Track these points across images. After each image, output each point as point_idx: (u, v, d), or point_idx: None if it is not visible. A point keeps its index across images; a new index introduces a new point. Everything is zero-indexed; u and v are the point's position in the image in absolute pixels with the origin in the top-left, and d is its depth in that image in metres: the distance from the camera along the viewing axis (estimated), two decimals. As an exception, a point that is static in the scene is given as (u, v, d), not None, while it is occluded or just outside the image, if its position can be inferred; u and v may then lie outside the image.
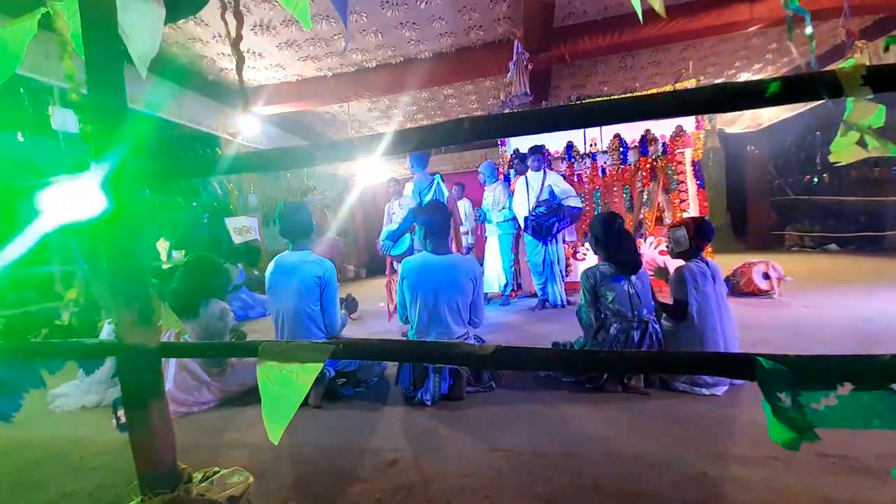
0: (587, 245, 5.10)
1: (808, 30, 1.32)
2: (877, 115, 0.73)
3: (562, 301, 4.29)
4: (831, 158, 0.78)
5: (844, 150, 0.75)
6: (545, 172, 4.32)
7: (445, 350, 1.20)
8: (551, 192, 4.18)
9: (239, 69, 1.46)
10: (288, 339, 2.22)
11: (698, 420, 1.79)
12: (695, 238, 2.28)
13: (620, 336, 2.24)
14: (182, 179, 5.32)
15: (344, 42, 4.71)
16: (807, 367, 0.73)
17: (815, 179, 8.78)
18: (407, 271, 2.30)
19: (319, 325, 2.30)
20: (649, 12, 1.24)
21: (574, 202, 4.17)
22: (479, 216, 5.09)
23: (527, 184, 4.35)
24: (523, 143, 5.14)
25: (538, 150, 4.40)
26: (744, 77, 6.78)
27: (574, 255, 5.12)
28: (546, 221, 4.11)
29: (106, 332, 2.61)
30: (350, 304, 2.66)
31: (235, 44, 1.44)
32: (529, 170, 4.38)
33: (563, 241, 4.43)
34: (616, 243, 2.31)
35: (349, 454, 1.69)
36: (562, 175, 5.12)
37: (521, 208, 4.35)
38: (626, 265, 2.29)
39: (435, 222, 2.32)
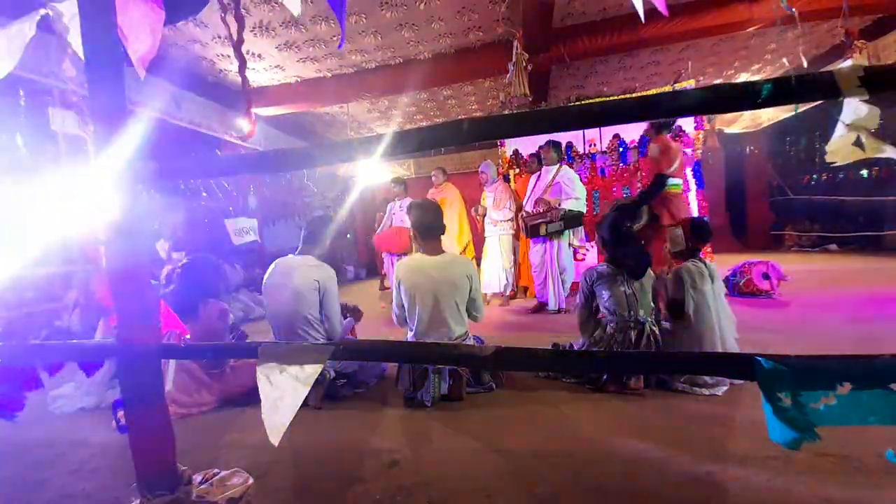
0: (589, 244, 5.09)
1: None
2: (870, 117, 0.73)
3: (559, 305, 4.08)
4: (828, 159, 0.78)
5: (841, 151, 0.75)
6: (560, 169, 4.14)
7: (445, 351, 1.20)
8: (560, 190, 4.04)
9: (241, 72, 1.46)
10: (284, 340, 2.22)
11: (698, 420, 1.79)
12: (691, 238, 2.28)
13: (617, 336, 2.24)
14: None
15: (349, 43, 4.69)
16: (807, 367, 0.73)
17: (814, 179, 8.79)
18: (402, 273, 2.29)
19: (317, 328, 2.28)
20: (649, 12, 1.24)
21: (571, 204, 3.97)
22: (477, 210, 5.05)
23: (538, 179, 4.26)
24: (522, 143, 5.15)
25: (551, 144, 4.20)
26: (743, 77, 6.79)
27: (574, 254, 5.12)
28: (530, 221, 4.02)
29: (100, 331, 2.60)
30: (354, 312, 2.63)
31: (237, 47, 1.44)
32: (543, 164, 4.26)
33: (570, 245, 4.17)
34: (622, 246, 2.31)
35: (349, 455, 1.69)
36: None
37: (527, 204, 4.27)
38: (631, 269, 2.28)
39: (427, 222, 2.31)
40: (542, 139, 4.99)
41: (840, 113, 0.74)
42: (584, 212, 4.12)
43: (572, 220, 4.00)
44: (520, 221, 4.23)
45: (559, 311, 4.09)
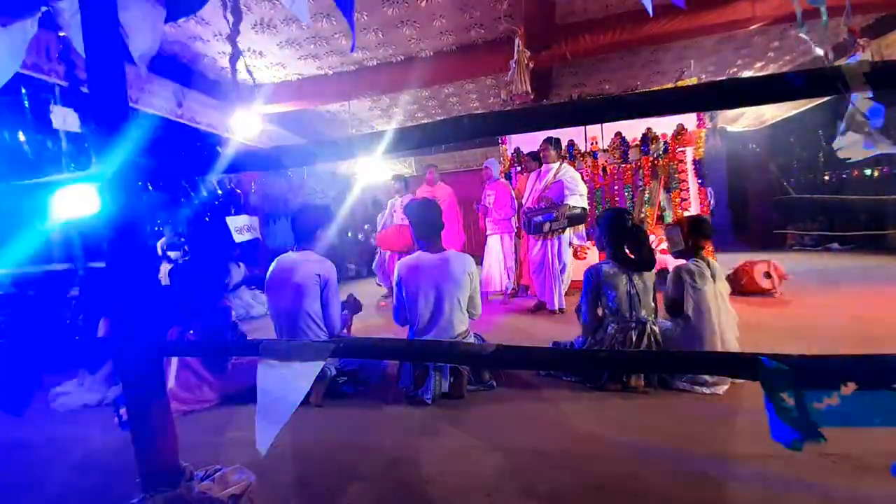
0: (588, 243, 5.08)
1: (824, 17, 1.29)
2: (875, 114, 0.72)
3: (559, 305, 4.00)
4: (840, 155, 0.77)
5: (853, 148, 0.73)
6: (560, 166, 4.08)
7: (446, 349, 1.20)
8: (561, 188, 3.99)
9: (233, 63, 1.46)
10: (287, 338, 2.22)
11: (699, 418, 1.79)
12: (691, 236, 2.26)
13: (618, 336, 2.23)
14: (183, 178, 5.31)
15: (350, 42, 4.69)
16: (811, 367, 0.73)
17: (817, 178, 8.76)
18: (403, 271, 2.29)
19: (319, 324, 2.29)
20: (654, 7, 1.23)
21: (574, 201, 3.91)
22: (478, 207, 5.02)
23: (538, 177, 4.21)
24: (524, 141, 5.13)
25: (550, 142, 4.13)
26: (745, 75, 6.75)
27: (575, 253, 5.10)
28: (534, 217, 3.97)
29: (102, 328, 2.61)
30: (352, 306, 2.58)
31: (232, 38, 1.44)
32: (543, 162, 4.20)
33: (570, 244, 4.11)
34: (628, 241, 2.29)
35: (350, 452, 1.70)
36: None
37: (527, 202, 4.23)
38: (639, 263, 2.26)
39: (427, 220, 2.31)
40: (544, 137, 4.98)
41: (848, 109, 0.72)
42: (587, 208, 4.07)
43: (577, 218, 3.95)
44: (521, 217, 4.19)
45: (560, 311, 4.02)
